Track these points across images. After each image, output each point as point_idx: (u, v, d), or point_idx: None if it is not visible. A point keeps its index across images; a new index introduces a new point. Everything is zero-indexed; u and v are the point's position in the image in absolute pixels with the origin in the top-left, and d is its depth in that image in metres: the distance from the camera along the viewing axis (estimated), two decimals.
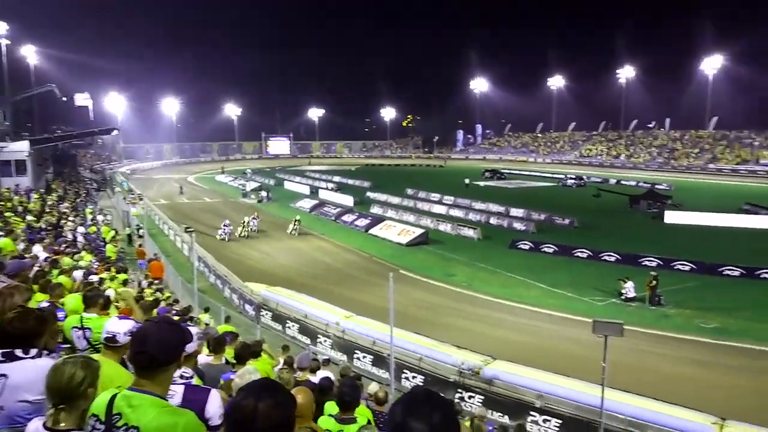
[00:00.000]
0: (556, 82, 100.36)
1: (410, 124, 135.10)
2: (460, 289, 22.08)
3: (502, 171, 71.30)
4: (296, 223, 33.16)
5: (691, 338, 16.83)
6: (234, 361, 6.15)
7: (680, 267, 24.34)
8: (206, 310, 15.84)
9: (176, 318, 9.96)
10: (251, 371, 4.12)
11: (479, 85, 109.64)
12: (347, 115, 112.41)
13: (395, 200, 45.49)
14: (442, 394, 2.99)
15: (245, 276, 22.07)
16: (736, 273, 23.42)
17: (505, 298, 20.73)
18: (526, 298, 20.78)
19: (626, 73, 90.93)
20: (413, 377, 13.43)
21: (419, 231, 31.58)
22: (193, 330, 4.82)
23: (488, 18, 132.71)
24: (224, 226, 31.73)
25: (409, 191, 49.44)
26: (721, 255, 25.74)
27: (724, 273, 23.59)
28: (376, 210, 40.54)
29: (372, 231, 33.35)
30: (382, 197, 46.51)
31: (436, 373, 13.16)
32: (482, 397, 12.31)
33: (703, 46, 78.54)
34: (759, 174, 65.09)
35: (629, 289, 20.32)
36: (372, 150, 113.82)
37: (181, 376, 3.53)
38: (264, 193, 49.07)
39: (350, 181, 61.22)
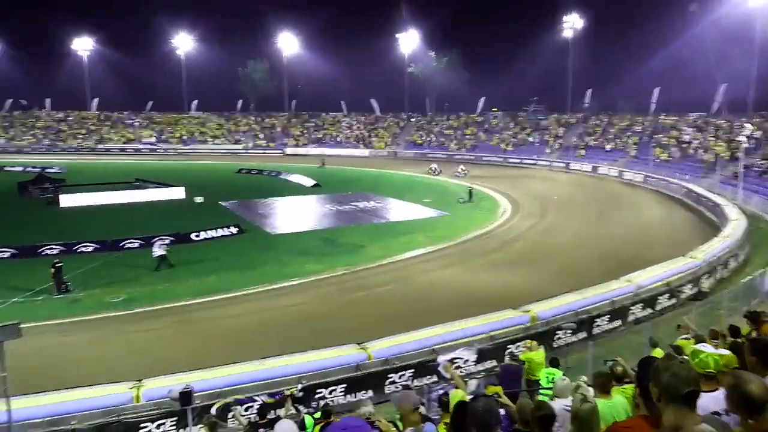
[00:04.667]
0: None
1: None
2: None
3: None
4: None
5: (104, 316, 17.18)
6: None
7: (83, 249, 24.23)
8: None
9: None
10: None
11: None
12: None
13: None
14: None
15: None
16: (136, 245, 25.26)
17: None
18: None
19: None
20: None
21: None
22: None
23: None
24: None
25: None
26: (121, 230, 27.16)
27: (125, 247, 24.99)
28: None
29: None
30: None
31: None
32: None
33: (71, 27, 77.94)
34: (143, 152, 71.67)
35: None
36: None
37: None
38: None
39: None
